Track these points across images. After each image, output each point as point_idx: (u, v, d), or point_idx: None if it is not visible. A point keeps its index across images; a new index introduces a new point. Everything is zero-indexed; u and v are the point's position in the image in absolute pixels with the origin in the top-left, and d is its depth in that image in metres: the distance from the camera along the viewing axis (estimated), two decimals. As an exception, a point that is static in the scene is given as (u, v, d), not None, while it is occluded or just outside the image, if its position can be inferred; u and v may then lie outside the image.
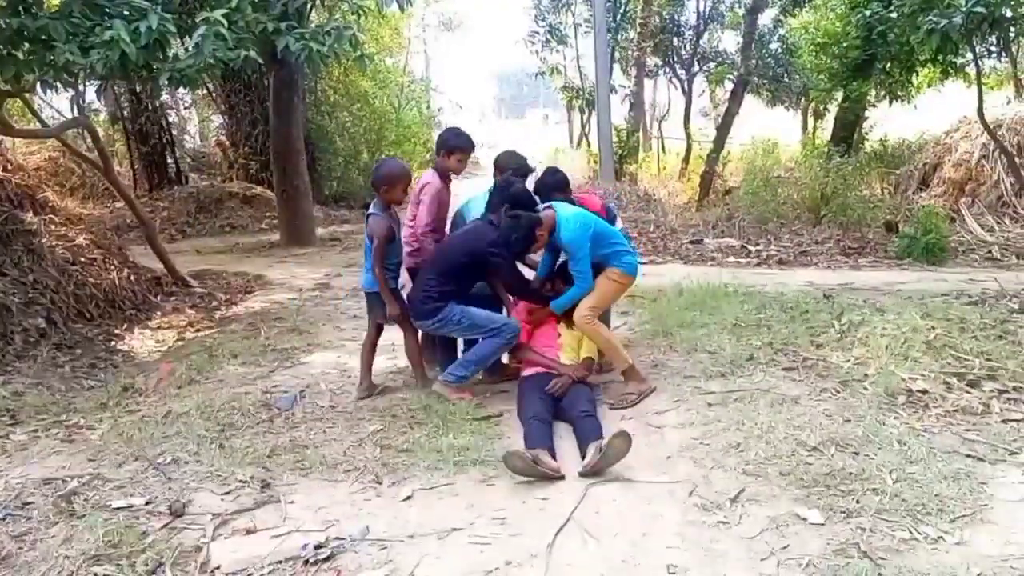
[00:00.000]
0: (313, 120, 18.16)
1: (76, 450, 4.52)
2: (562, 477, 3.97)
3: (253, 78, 16.28)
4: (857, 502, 3.55)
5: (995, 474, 3.83)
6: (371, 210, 5.22)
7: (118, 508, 3.71)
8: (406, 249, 5.47)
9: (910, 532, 3.30)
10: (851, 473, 3.81)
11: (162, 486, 3.96)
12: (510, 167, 5.51)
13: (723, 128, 16.29)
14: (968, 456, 4.02)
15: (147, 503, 3.76)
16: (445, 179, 5.53)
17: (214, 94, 18.67)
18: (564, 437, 4.50)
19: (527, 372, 5.12)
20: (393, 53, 26.08)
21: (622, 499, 3.76)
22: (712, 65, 20.58)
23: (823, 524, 3.40)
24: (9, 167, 8.25)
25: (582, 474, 3.98)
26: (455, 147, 5.47)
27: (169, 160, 17.69)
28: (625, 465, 4.01)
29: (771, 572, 3.06)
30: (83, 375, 6.08)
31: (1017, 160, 11.12)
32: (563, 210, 5.04)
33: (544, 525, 3.48)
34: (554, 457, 4.13)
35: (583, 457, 4.11)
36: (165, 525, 3.56)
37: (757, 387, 5.03)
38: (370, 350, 5.39)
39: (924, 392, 4.77)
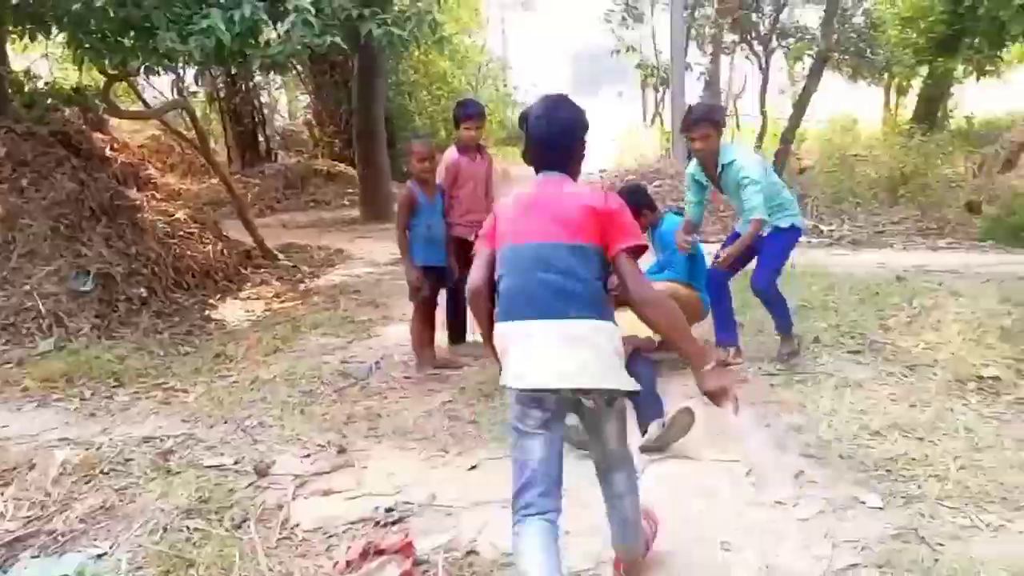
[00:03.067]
0: (393, 100, 18.47)
1: (172, 412, 4.84)
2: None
3: (338, 60, 16.64)
4: (919, 487, 3.54)
5: (1065, 464, 3.75)
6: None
7: (209, 467, 3.99)
8: (458, 218, 5.61)
9: (971, 520, 3.28)
10: (914, 459, 3.80)
11: (249, 447, 4.24)
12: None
13: (800, 105, 15.89)
14: (1039, 445, 3.94)
15: (235, 463, 4.03)
16: (468, 151, 5.67)
17: (302, 76, 19.19)
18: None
19: None
20: (471, 32, 26.16)
21: (680, 476, 3.83)
22: (791, 41, 20.05)
23: (882, 508, 3.41)
24: (115, 146, 8.68)
25: (643, 449, 4.04)
26: (462, 116, 5.64)
27: (260, 138, 18.47)
28: (685, 443, 4.08)
29: (825, 554, 3.08)
30: (180, 342, 6.42)
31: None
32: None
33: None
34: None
35: (643, 434, 4.16)
36: (251, 484, 3.81)
37: (822, 370, 5.03)
38: (422, 325, 5.48)
39: (996, 379, 4.71)
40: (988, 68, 14.59)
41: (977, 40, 11.77)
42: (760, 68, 20.91)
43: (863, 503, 3.46)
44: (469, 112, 5.68)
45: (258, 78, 18.59)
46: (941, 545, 3.10)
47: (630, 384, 2.64)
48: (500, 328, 2.65)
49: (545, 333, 2.53)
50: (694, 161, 5.19)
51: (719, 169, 5.01)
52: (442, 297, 5.67)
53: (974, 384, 4.69)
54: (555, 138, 2.74)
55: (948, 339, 5.26)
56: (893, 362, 5.11)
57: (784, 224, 5.14)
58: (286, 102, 24.34)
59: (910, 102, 19.41)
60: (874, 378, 4.89)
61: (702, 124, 4.93)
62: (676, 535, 3.27)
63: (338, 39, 6.96)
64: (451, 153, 5.68)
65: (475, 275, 2.80)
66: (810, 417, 4.35)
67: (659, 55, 21.59)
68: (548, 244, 2.58)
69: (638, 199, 5.38)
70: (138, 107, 10.98)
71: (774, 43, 19.99)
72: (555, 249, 2.57)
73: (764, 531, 3.29)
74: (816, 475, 3.75)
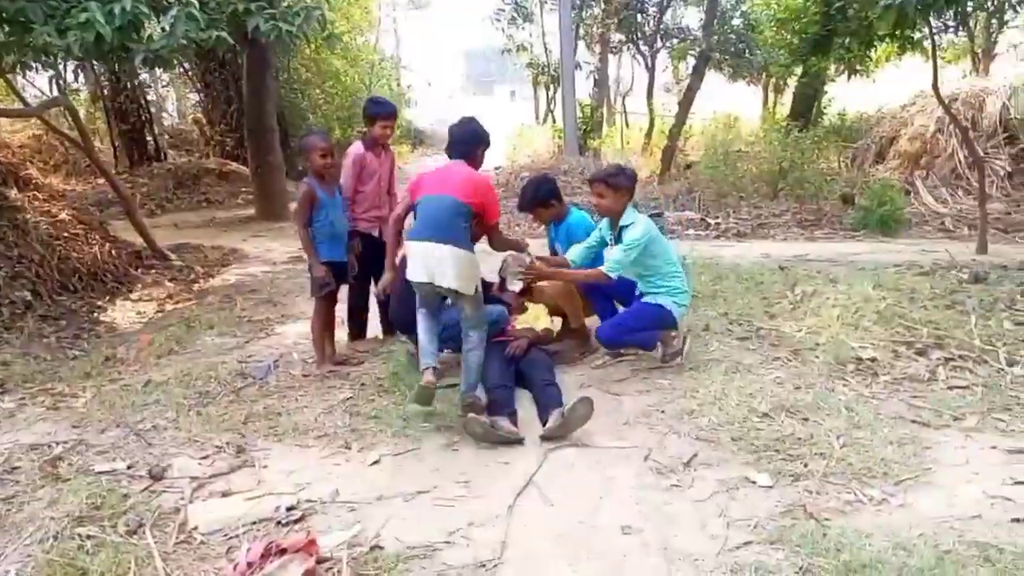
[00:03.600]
0: (286, 98, 18.24)
1: (61, 417, 4.65)
2: (520, 441, 4.13)
3: (227, 57, 16.30)
4: (805, 466, 3.71)
5: (939, 439, 4.01)
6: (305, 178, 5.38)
7: (101, 472, 3.84)
8: (362, 213, 5.59)
9: (856, 495, 3.45)
10: (800, 438, 3.98)
11: (143, 451, 4.10)
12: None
13: (685, 103, 16.36)
14: (913, 422, 4.20)
15: (128, 467, 3.90)
16: (374, 147, 5.63)
17: (190, 73, 18.71)
18: (524, 405, 4.64)
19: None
20: (363, 31, 25.93)
21: (580, 463, 3.91)
22: (675, 41, 20.65)
23: (772, 487, 3.56)
24: (-6, 145, 8.29)
25: (543, 438, 4.14)
26: (380, 114, 5.60)
27: (148, 137, 17.82)
28: (584, 431, 4.17)
29: (720, 533, 3.20)
30: (67, 345, 6.20)
31: (971, 134, 11.35)
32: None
33: (505, 488, 3.63)
34: (516, 422, 4.28)
35: (543, 424, 4.25)
36: (145, 488, 3.69)
37: (712, 356, 5.20)
38: (323, 321, 5.42)
39: (873, 360, 4.96)
40: (858, 67, 15.31)
41: (848, 40, 12.31)
42: (646, 67, 21.47)
43: (754, 483, 3.60)
44: (388, 110, 5.64)
45: (143, 75, 18.07)
46: (828, 520, 3.25)
47: (469, 290, 4.25)
48: (408, 243, 4.41)
49: (430, 249, 4.19)
50: (606, 219, 5.14)
51: (619, 231, 5.01)
52: (343, 294, 5.60)
53: (853, 366, 4.93)
54: (464, 140, 4.59)
55: (828, 324, 5.51)
56: (778, 347, 5.32)
57: (659, 300, 5.06)
58: (174, 100, 23.73)
59: (787, 100, 20.20)
60: (761, 363, 5.09)
61: (596, 183, 5.02)
62: (578, 520, 3.34)
63: (224, 34, 6.80)
64: (357, 148, 5.62)
65: (398, 211, 4.98)
66: (702, 402, 4.49)
67: (549, 54, 21.87)
68: (448, 197, 4.31)
69: (549, 189, 5.47)
70: (18, 106, 10.45)
71: (659, 43, 20.55)
72: (452, 200, 4.29)
73: (662, 514, 3.39)
74: (709, 457, 3.88)
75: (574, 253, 5.16)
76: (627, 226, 4.94)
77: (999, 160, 12.02)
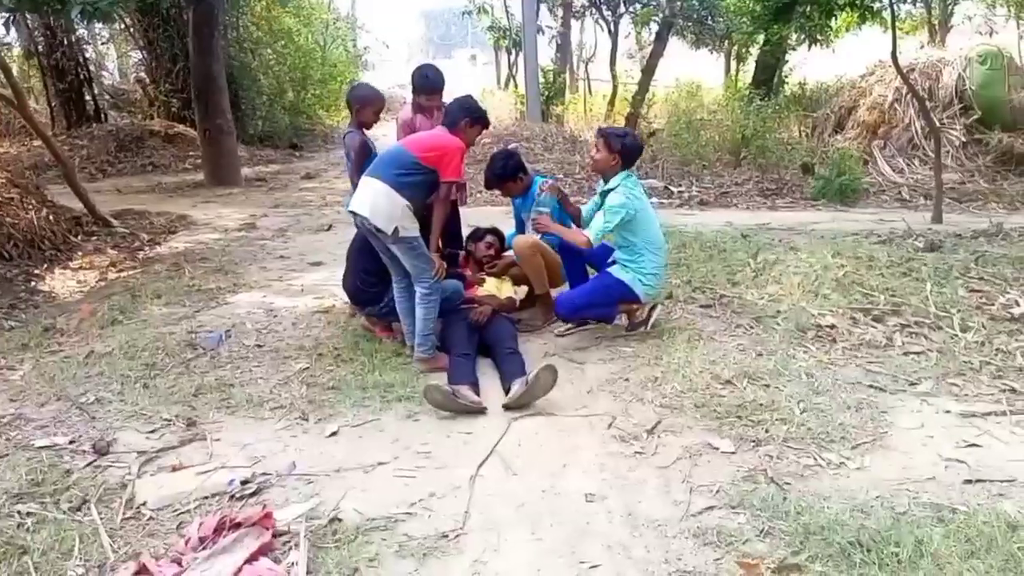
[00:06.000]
0: (236, 57, 17.67)
1: (-3, 390, 4.44)
2: (483, 410, 4.08)
3: (172, 13, 15.79)
4: (766, 431, 3.73)
5: (895, 403, 4.06)
6: (348, 128, 5.30)
7: (41, 447, 3.68)
8: None
9: (815, 459, 3.48)
10: (761, 404, 3.99)
11: (86, 425, 3.94)
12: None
13: (648, 70, 16.33)
14: (871, 387, 4.25)
15: (71, 442, 3.75)
16: (423, 111, 5.49)
17: (132, 29, 18.01)
18: (488, 374, 4.59)
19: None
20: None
21: (543, 432, 3.87)
22: (638, 6, 20.53)
23: (734, 452, 3.57)
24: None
25: (506, 407, 4.09)
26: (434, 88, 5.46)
27: (87, 97, 17.21)
28: (547, 400, 4.13)
29: (683, 499, 3.20)
30: (3, 316, 5.95)
31: (928, 104, 11.47)
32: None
33: (468, 458, 3.58)
34: (478, 391, 4.22)
35: (506, 393, 4.21)
36: (89, 463, 3.55)
37: (676, 324, 5.19)
38: None
39: (832, 327, 5.00)
40: (819, 37, 15.36)
41: (808, 9, 12.31)
42: (609, 33, 21.34)
43: (717, 448, 3.61)
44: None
45: (81, 30, 17.28)
46: (788, 484, 3.28)
47: (386, 227, 4.39)
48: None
49: (366, 182, 4.49)
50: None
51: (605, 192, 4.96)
52: None
53: (813, 332, 4.96)
54: (449, 111, 4.72)
55: (789, 291, 5.54)
56: (741, 314, 5.34)
57: (623, 276, 4.98)
58: (115, 58, 22.94)
59: (749, 68, 20.23)
60: (724, 330, 5.11)
61: (598, 136, 5.01)
62: (541, 489, 3.31)
63: (167, -14, 6.53)
64: (408, 112, 5.56)
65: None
66: (666, 369, 4.48)
67: (511, 17, 21.62)
68: (401, 147, 4.63)
69: (515, 163, 5.43)
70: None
71: (622, 8, 20.41)
72: (401, 150, 4.59)
73: (626, 480, 3.37)
74: (673, 424, 3.87)
75: (587, 210, 5.18)
76: (609, 191, 4.89)
77: (954, 131, 12.18)
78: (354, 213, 4.53)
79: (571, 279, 5.40)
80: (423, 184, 4.54)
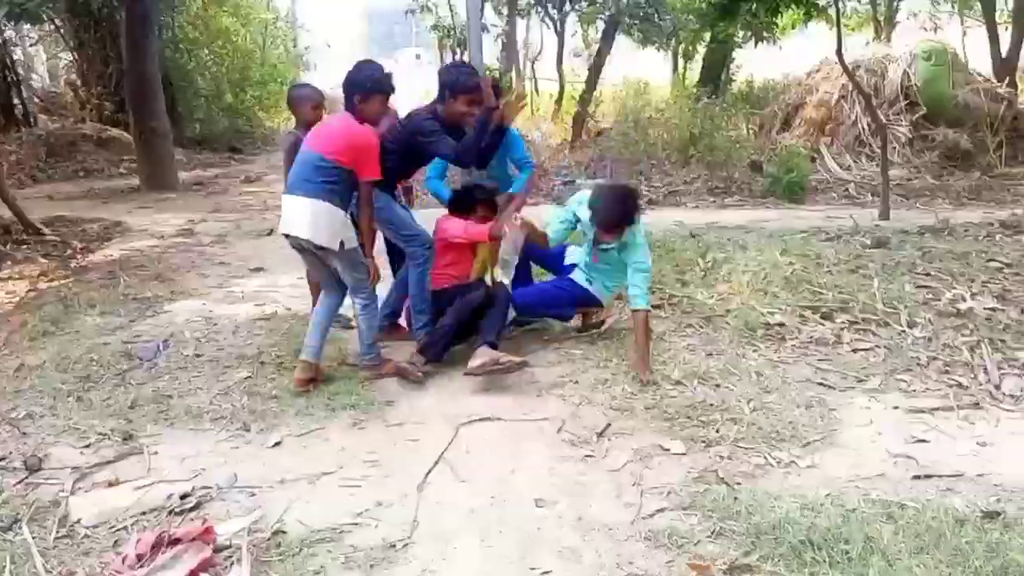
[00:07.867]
0: (171, 58, 17.35)
1: (-80, 407, 4.23)
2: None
3: (103, 13, 15.40)
4: (717, 431, 3.73)
5: (844, 401, 4.10)
6: (290, 130, 5.24)
7: (-31, 466, 3.53)
8: None
9: (765, 458, 3.50)
10: (712, 404, 4.00)
11: (16, 441, 3.79)
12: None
13: (595, 69, 16.37)
14: (820, 385, 4.29)
15: (1, 459, 3.60)
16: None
17: (61, 30, 17.60)
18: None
19: (437, 287, 4.92)
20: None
21: (492, 438, 3.82)
22: (584, 4, 20.56)
23: (684, 454, 3.56)
24: None
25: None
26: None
27: (15, 101, 16.61)
28: (495, 404, 4.10)
29: (634, 501, 3.18)
30: (-75, 328, 5.66)
31: (874, 100, 11.64)
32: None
33: (415, 466, 3.51)
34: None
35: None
36: (21, 481, 3.42)
37: (626, 325, 5.17)
38: None
39: (781, 325, 5.03)
40: (765, 34, 15.55)
41: (754, 6, 12.45)
42: (555, 31, 21.35)
43: (667, 450, 3.59)
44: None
45: (8, 32, 16.78)
46: (739, 484, 3.28)
47: (330, 244, 4.14)
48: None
49: (289, 201, 4.23)
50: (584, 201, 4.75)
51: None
52: None
53: (762, 331, 4.98)
54: (344, 90, 4.30)
55: (738, 290, 5.55)
56: (691, 314, 5.33)
57: (588, 287, 4.92)
58: (44, 60, 22.36)
59: (696, 66, 20.40)
60: (674, 330, 5.10)
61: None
62: (490, 495, 3.26)
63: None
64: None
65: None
66: (615, 371, 4.47)
67: (455, 16, 21.49)
68: (313, 153, 4.21)
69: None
70: None
71: (567, 6, 20.42)
72: (314, 156, 4.19)
73: (576, 484, 3.34)
74: (623, 427, 3.85)
75: (554, 231, 4.89)
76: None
77: (901, 127, 12.39)
78: (287, 235, 4.27)
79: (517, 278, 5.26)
80: (350, 185, 4.25)
